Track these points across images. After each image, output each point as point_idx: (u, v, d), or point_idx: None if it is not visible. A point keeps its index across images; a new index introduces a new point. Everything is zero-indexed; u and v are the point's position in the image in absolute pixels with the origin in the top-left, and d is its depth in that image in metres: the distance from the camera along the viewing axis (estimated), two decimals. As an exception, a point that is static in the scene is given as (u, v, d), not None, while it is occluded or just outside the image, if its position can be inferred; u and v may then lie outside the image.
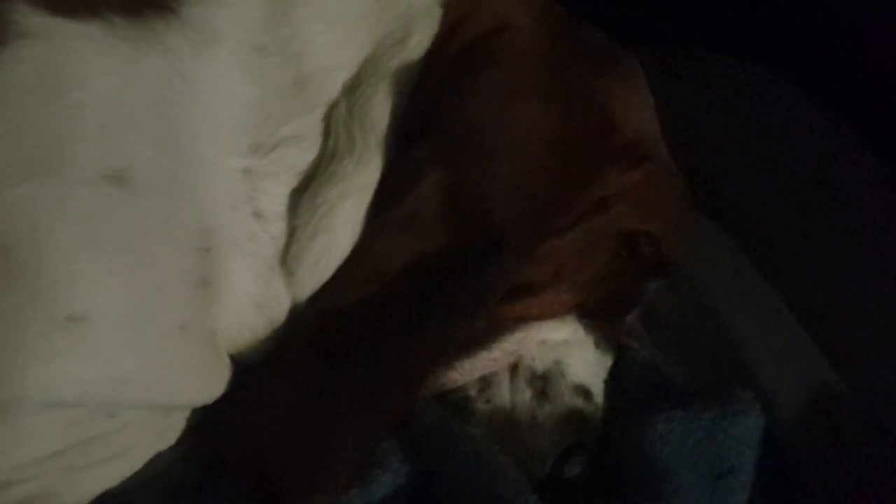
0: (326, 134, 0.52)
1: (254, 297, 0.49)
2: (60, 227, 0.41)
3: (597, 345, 0.54)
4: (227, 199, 0.48)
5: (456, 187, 0.48)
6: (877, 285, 0.69)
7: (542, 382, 0.52)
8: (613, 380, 0.54)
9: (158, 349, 0.44)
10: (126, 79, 0.44)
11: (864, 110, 0.86)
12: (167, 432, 0.48)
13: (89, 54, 0.44)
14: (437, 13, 0.53)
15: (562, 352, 0.52)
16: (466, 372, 0.51)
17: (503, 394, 0.51)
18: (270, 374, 0.48)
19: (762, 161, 0.79)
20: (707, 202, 0.68)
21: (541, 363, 0.52)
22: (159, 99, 0.45)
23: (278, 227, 0.50)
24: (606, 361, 0.55)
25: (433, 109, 0.50)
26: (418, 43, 0.53)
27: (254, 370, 0.49)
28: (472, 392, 0.51)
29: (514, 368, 0.52)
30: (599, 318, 0.54)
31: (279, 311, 0.50)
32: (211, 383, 0.47)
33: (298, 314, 0.50)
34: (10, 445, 0.43)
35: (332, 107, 0.52)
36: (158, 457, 0.48)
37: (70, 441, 0.44)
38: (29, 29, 0.43)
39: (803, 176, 0.78)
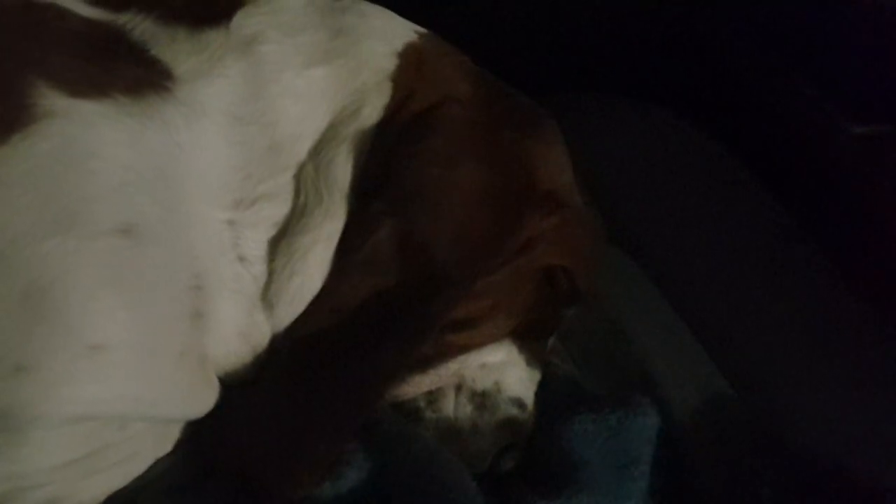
0: (297, 190, 0.58)
1: (239, 328, 0.55)
2: (83, 272, 0.48)
3: (528, 363, 0.62)
4: (216, 246, 0.55)
5: (407, 235, 0.56)
6: (763, 306, 0.77)
7: (482, 398, 0.60)
8: (540, 390, 0.62)
9: (161, 372, 0.51)
10: (133, 149, 0.51)
11: (753, 145, 0.96)
12: (166, 441, 0.55)
13: (102, 129, 0.50)
14: (387, 87, 0.60)
15: (499, 372, 0.60)
16: (417, 386, 0.59)
17: (448, 406, 0.59)
18: (253, 392, 0.55)
19: (665, 196, 0.89)
20: (617, 233, 0.75)
21: (481, 383, 0.60)
22: (159, 164, 0.52)
23: (259, 269, 0.56)
24: (536, 376, 0.63)
25: (387, 170, 0.57)
26: (371, 112, 0.59)
27: (238, 388, 0.56)
28: (422, 403, 0.59)
29: (458, 386, 0.60)
30: (529, 340, 0.62)
31: (261, 339, 0.56)
32: (203, 400, 0.54)
33: (277, 341, 0.56)
34: (35, 454, 0.49)
35: (301, 167, 0.58)
36: (159, 462, 0.54)
37: (86, 450, 0.50)
38: (53, 109, 0.49)
39: (700, 208, 0.87)
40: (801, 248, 0.84)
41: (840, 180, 0.89)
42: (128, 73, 0.52)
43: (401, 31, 0.63)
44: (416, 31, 0.64)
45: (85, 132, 0.49)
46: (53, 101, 0.49)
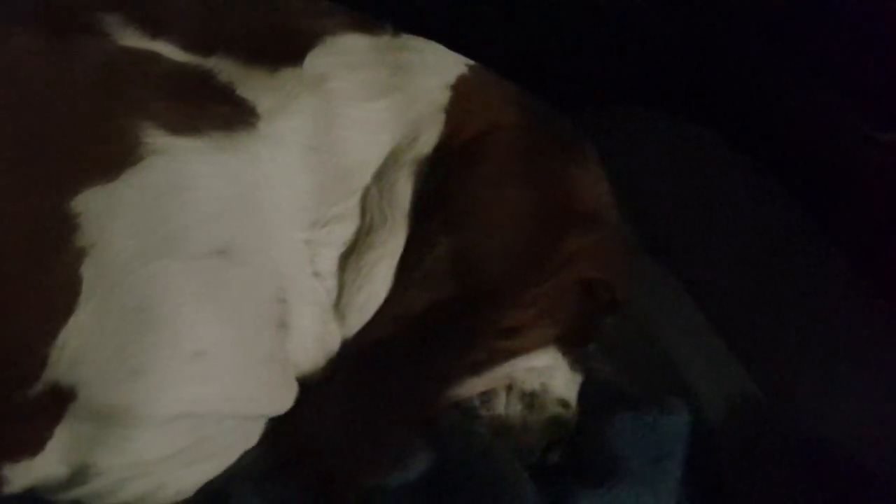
0: (363, 212, 0.63)
1: (315, 335, 0.61)
2: (186, 289, 0.54)
3: (571, 366, 0.68)
4: (296, 263, 0.60)
5: (461, 252, 0.61)
6: (790, 311, 0.82)
7: (530, 398, 0.65)
8: (582, 391, 0.68)
9: (252, 375, 0.57)
10: (225, 180, 0.57)
11: (779, 154, 0.99)
12: (252, 435, 0.61)
13: (199, 164, 0.56)
14: (441, 117, 0.65)
15: (546, 375, 0.66)
16: (472, 388, 0.65)
17: (500, 405, 0.65)
18: (327, 391, 0.61)
19: (693, 204, 0.93)
20: (648, 242, 0.81)
21: (529, 385, 0.66)
22: (247, 192, 0.58)
23: (332, 283, 0.62)
24: (578, 378, 0.68)
25: (442, 192, 0.63)
26: (427, 140, 0.64)
27: (314, 389, 0.61)
28: (477, 403, 0.65)
29: (509, 387, 0.65)
30: (571, 346, 0.68)
31: (333, 344, 0.62)
32: (285, 399, 0.60)
33: (346, 347, 0.62)
34: (145, 447, 0.55)
35: (367, 191, 0.63)
36: (246, 453, 0.60)
37: (186, 443, 0.57)
38: (157, 147, 0.54)
39: (727, 216, 0.92)
40: (826, 256, 0.88)
41: (867, 188, 0.91)
42: (218, 111, 0.58)
43: (452, 66, 0.69)
44: (466, 64, 0.69)
45: (184, 167, 0.55)
46: (157, 140, 0.55)
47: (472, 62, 0.70)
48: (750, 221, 0.92)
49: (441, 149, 0.65)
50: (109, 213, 0.53)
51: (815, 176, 0.96)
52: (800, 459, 0.70)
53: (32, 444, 0.53)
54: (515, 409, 0.65)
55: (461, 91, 0.67)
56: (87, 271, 0.52)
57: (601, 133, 1.04)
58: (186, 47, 0.60)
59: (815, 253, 0.89)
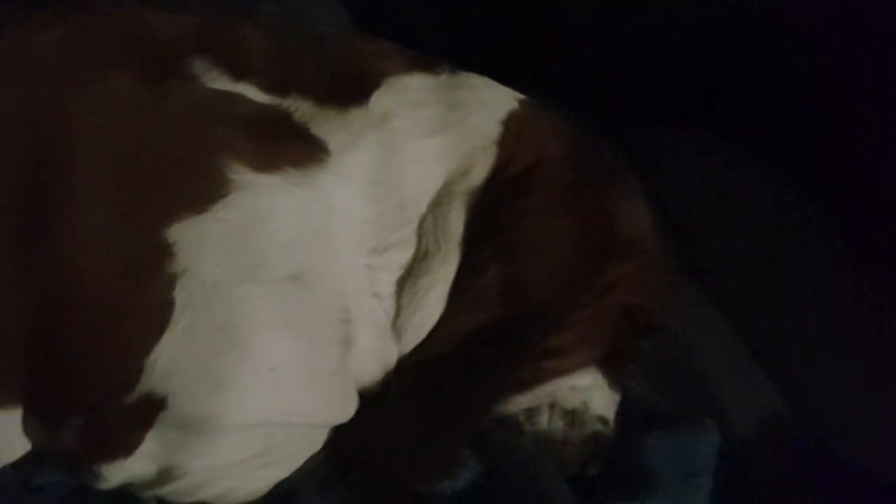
0: (419, 239, 0.67)
1: (374, 352, 0.66)
2: (263, 311, 0.60)
3: (610, 386, 0.71)
4: (358, 286, 0.65)
5: (509, 278, 0.66)
6: (822, 329, 0.85)
7: (571, 415, 0.69)
8: (620, 409, 0.71)
9: (319, 388, 0.63)
10: (298, 211, 0.62)
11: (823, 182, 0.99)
12: (317, 442, 0.66)
13: (276, 198, 0.61)
14: (493, 151, 0.69)
15: (586, 394, 0.70)
16: (517, 404, 0.69)
17: (543, 421, 0.69)
18: (384, 404, 0.66)
19: (728, 224, 0.96)
20: (684, 259, 0.83)
21: (571, 402, 0.69)
22: (318, 222, 0.63)
23: (389, 304, 0.67)
24: (616, 397, 0.72)
25: (493, 222, 0.67)
26: (479, 172, 0.69)
27: (371, 401, 0.66)
28: (522, 418, 0.69)
29: (551, 405, 0.69)
30: (611, 366, 0.71)
31: (390, 361, 0.66)
32: (347, 410, 0.65)
33: (402, 363, 0.67)
34: (224, 452, 0.61)
35: (423, 219, 0.68)
36: (310, 459, 0.66)
37: (259, 449, 0.63)
38: (241, 183, 0.60)
39: (762, 235, 0.95)
40: (864, 277, 0.90)
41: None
42: (294, 149, 0.64)
43: (504, 101, 0.73)
44: (516, 99, 0.74)
45: (264, 201, 0.61)
46: (241, 176, 0.60)
47: (522, 96, 0.75)
48: (784, 240, 0.94)
49: (492, 180, 0.69)
50: (199, 243, 0.59)
51: (855, 196, 0.97)
52: (827, 478, 0.74)
53: (127, 447, 0.60)
54: (557, 425, 0.69)
55: (512, 126, 0.71)
56: (180, 294, 0.58)
57: (638, 152, 1.08)
58: (266, 88, 0.65)
59: (851, 274, 0.91)
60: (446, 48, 1.04)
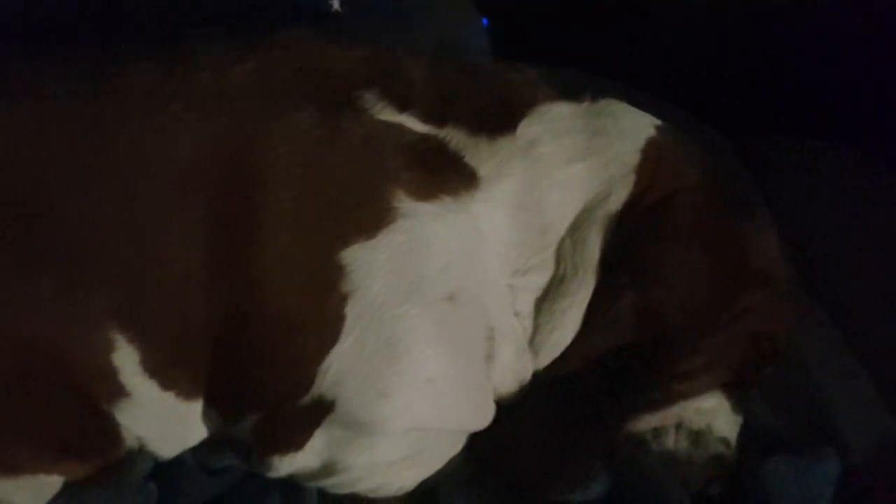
0: (558, 262, 0.71)
1: (512, 367, 0.71)
2: (423, 328, 0.65)
3: (733, 409, 0.74)
4: (501, 305, 0.70)
5: (645, 304, 0.69)
6: None
7: (696, 436, 0.72)
8: (742, 432, 0.74)
9: (466, 398, 0.68)
10: (453, 237, 0.67)
11: None
12: (457, 444, 0.72)
13: (435, 225, 0.66)
14: (631, 178, 0.72)
15: (711, 416, 0.73)
16: (646, 423, 0.73)
17: (670, 440, 0.73)
18: (521, 415, 0.71)
19: (851, 238, 0.95)
20: (808, 278, 0.82)
21: (696, 424, 0.73)
22: (468, 246, 0.68)
23: (528, 323, 0.71)
24: (739, 420, 0.75)
25: (630, 248, 0.70)
26: (617, 199, 0.72)
27: (507, 411, 0.71)
28: (649, 437, 0.73)
29: (678, 425, 0.73)
30: (735, 390, 0.74)
31: (526, 375, 0.71)
32: (486, 418, 0.70)
33: (538, 378, 0.71)
34: (383, 452, 0.67)
35: (561, 242, 0.71)
36: (451, 461, 0.72)
37: (410, 451, 0.69)
38: (405, 211, 0.65)
39: (888, 252, 0.93)
40: None
41: None
42: (449, 177, 0.69)
43: (643, 129, 0.75)
44: (654, 126, 0.76)
45: (424, 228, 0.66)
46: (405, 204, 0.66)
47: (660, 122, 0.77)
48: None
49: (629, 207, 0.72)
50: (368, 265, 0.64)
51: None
52: None
53: (298, 443, 0.67)
54: (683, 444, 0.73)
55: (650, 154, 0.74)
56: (351, 311, 0.64)
57: (761, 162, 1.08)
58: (425, 119, 0.70)
59: None
60: (568, 50, 1.07)
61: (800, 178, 1.05)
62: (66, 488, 0.66)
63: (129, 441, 0.68)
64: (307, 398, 0.65)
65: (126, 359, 0.63)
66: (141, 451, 0.68)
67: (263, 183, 0.64)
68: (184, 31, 0.69)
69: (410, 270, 0.66)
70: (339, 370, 0.64)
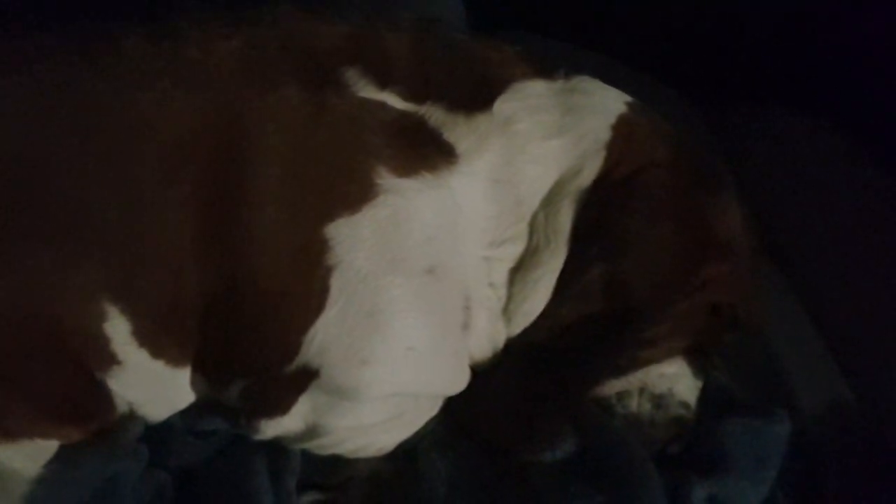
0: (531, 234, 0.74)
1: (487, 334, 0.74)
2: (404, 299, 0.68)
3: (694, 374, 0.79)
4: (477, 276, 0.73)
5: (613, 275, 0.72)
6: (893, 322, 0.88)
7: (658, 400, 0.77)
8: (701, 395, 0.78)
9: (444, 365, 0.72)
10: (434, 211, 0.70)
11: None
12: (434, 408, 0.76)
13: (416, 200, 0.68)
14: (603, 154, 0.75)
15: (672, 381, 0.77)
16: (611, 388, 0.77)
17: (633, 404, 0.77)
18: (494, 379, 0.74)
19: (810, 204, 0.98)
20: (766, 242, 0.85)
21: (658, 388, 0.77)
22: (447, 220, 0.71)
23: (502, 292, 0.75)
24: (699, 384, 0.79)
25: (600, 221, 0.73)
26: (589, 174, 0.74)
27: (481, 376, 0.75)
28: (614, 400, 0.77)
29: (641, 389, 0.77)
30: (696, 356, 0.79)
31: (500, 341, 0.75)
32: (462, 383, 0.74)
33: (511, 345, 0.75)
34: (360, 416, 0.71)
35: (535, 216, 0.74)
36: (428, 423, 0.76)
37: (389, 414, 0.72)
38: (387, 187, 0.67)
39: (843, 217, 0.97)
40: None
41: None
42: (429, 153, 0.71)
43: (615, 106, 0.78)
44: (626, 103, 0.79)
45: (406, 203, 0.69)
46: (387, 180, 0.68)
47: (631, 99, 0.80)
48: (866, 224, 0.96)
49: (601, 182, 0.75)
50: (352, 239, 0.67)
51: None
52: (890, 468, 0.79)
53: (283, 407, 0.70)
54: (645, 407, 0.77)
55: (621, 130, 0.76)
56: (335, 282, 0.67)
57: (726, 131, 1.10)
58: (405, 96, 0.72)
59: None
60: (544, 21, 1.09)
61: (763, 145, 1.08)
62: (62, 451, 0.68)
63: (121, 406, 0.70)
64: (293, 365, 0.68)
65: (118, 328, 0.66)
66: (132, 416, 0.71)
67: (251, 159, 0.66)
68: (170, 6, 0.70)
69: (393, 244, 0.68)
70: (323, 339, 0.67)
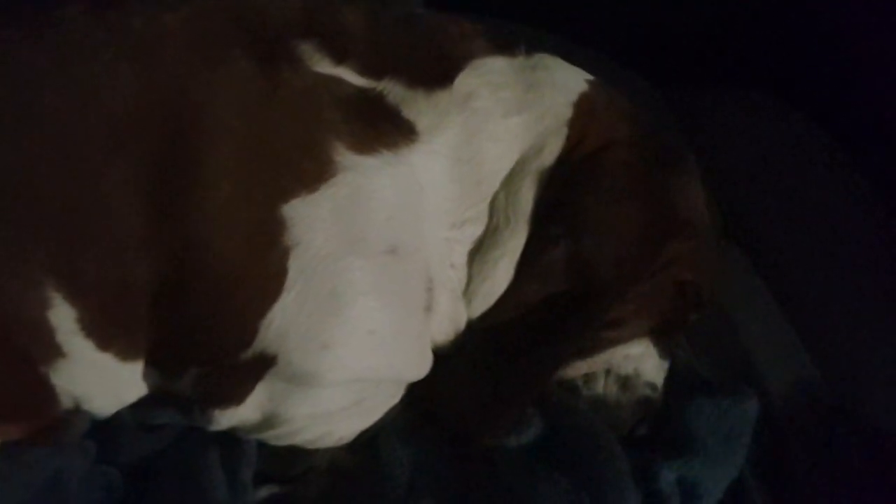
0: (491, 214, 0.72)
1: (449, 316, 0.72)
2: (365, 281, 0.65)
3: (660, 355, 0.78)
4: (439, 257, 0.71)
5: (576, 254, 0.70)
6: (858, 296, 0.90)
7: (624, 381, 0.76)
8: (668, 376, 0.78)
9: (406, 349, 0.69)
10: (394, 190, 0.67)
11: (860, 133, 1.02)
12: (396, 395, 0.74)
13: (375, 178, 0.66)
14: (564, 132, 0.73)
15: (638, 362, 0.76)
16: (577, 370, 0.76)
17: (599, 385, 0.76)
18: (456, 363, 0.72)
19: (773, 186, 0.99)
20: (732, 224, 0.88)
21: (624, 369, 0.76)
22: (409, 200, 0.68)
23: (462, 273, 0.72)
24: (665, 365, 0.78)
25: (562, 200, 0.72)
26: (551, 152, 0.73)
27: (444, 360, 0.73)
28: (580, 382, 0.76)
29: (607, 371, 0.76)
30: (661, 337, 0.78)
31: (461, 324, 0.73)
32: (425, 368, 0.71)
33: (473, 327, 0.73)
34: (319, 403, 0.68)
35: (495, 195, 0.72)
36: (390, 411, 0.74)
37: (350, 401, 0.70)
38: (346, 165, 0.65)
39: (807, 199, 0.98)
40: None
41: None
42: (388, 130, 0.69)
43: (576, 84, 0.77)
44: (587, 81, 0.77)
45: (366, 181, 0.66)
46: (345, 158, 0.65)
47: (591, 77, 0.79)
48: (829, 205, 0.98)
49: (562, 160, 0.73)
50: (310, 219, 0.64)
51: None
52: (856, 440, 0.80)
53: (239, 396, 0.67)
54: (612, 389, 0.76)
55: (583, 108, 0.75)
56: (293, 264, 0.64)
57: (691, 114, 1.10)
58: (362, 72, 0.70)
59: (891, 239, 0.95)
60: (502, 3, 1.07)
61: (725, 126, 1.08)
62: (3, 449, 0.64)
63: (66, 401, 0.67)
64: (249, 352, 0.65)
65: (62, 317, 0.62)
66: (78, 411, 0.67)
67: (201, 136, 0.63)
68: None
69: (352, 224, 0.66)
70: (281, 324, 0.65)
